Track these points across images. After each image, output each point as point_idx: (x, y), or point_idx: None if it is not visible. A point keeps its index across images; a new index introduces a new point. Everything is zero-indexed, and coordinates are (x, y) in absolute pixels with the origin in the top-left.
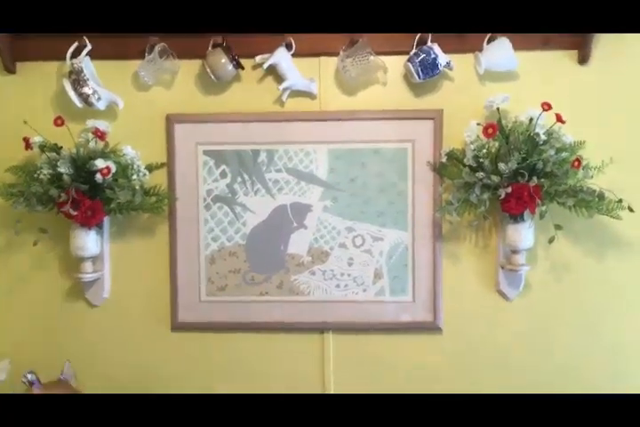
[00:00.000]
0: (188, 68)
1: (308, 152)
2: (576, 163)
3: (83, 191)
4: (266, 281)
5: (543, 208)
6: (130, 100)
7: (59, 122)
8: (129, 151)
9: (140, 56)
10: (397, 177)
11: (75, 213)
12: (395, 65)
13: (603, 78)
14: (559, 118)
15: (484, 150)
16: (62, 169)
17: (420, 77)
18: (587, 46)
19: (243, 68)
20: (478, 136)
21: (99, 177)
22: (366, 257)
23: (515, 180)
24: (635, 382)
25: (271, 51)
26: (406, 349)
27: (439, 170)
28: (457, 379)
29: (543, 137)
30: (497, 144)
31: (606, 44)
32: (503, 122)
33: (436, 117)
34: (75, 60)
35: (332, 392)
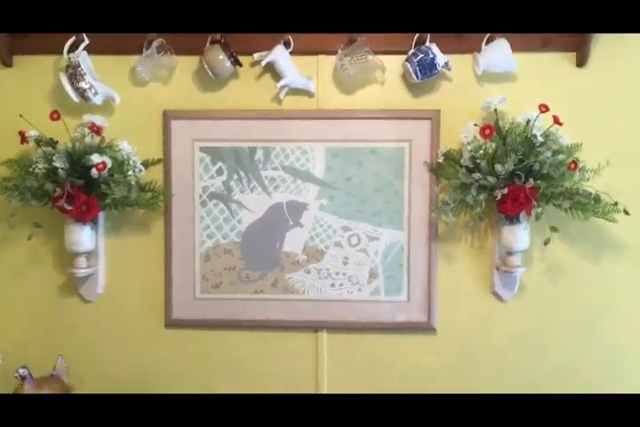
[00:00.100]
0: (185, 65)
1: (305, 150)
2: (572, 165)
3: (78, 186)
4: (261, 279)
5: (539, 210)
6: (127, 95)
7: (55, 116)
8: (125, 147)
9: (138, 51)
10: (394, 177)
11: (70, 208)
12: (393, 64)
13: (600, 81)
14: (556, 120)
15: (481, 151)
16: (58, 163)
17: (417, 77)
18: (585, 48)
19: (241, 64)
20: (475, 137)
21: (94, 172)
22: (362, 256)
23: (511, 181)
24: (630, 383)
25: (269, 48)
26: (400, 349)
27: (436, 170)
28: (451, 379)
29: (540, 139)
30: (494, 145)
31: (604, 47)
32: (500, 123)
33: (433, 117)
34: (72, 55)
35: (325, 391)
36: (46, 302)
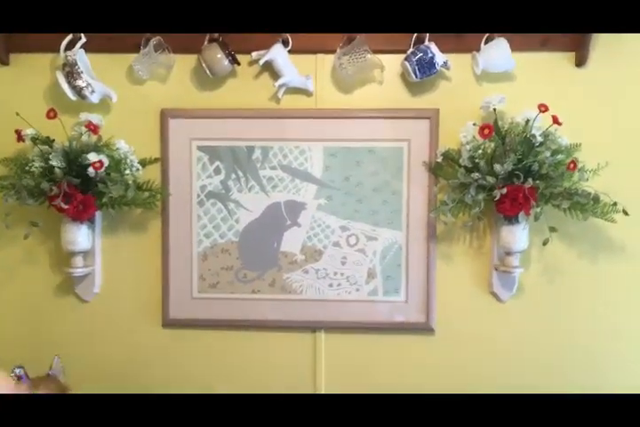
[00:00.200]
0: (183, 63)
1: (303, 150)
2: (572, 165)
3: (75, 185)
4: (258, 279)
5: (538, 210)
6: (124, 93)
7: (51, 114)
8: (122, 145)
9: (136, 50)
10: (392, 176)
11: (66, 207)
12: (392, 63)
13: (599, 80)
14: (555, 120)
15: (480, 151)
16: (54, 162)
17: (416, 76)
18: (584, 48)
19: (239, 63)
20: (474, 137)
21: (91, 171)
22: (360, 256)
23: (510, 181)
24: (628, 383)
25: (267, 47)
26: (399, 349)
27: (434, 170)
28: (449, 380)
29: (539, 139)
30: (493, 145)
31: (603, 47)
32: (499, 123)
33: (432, 117)
34: (69, 53)
35: (322, 392)
36: (42, 302)
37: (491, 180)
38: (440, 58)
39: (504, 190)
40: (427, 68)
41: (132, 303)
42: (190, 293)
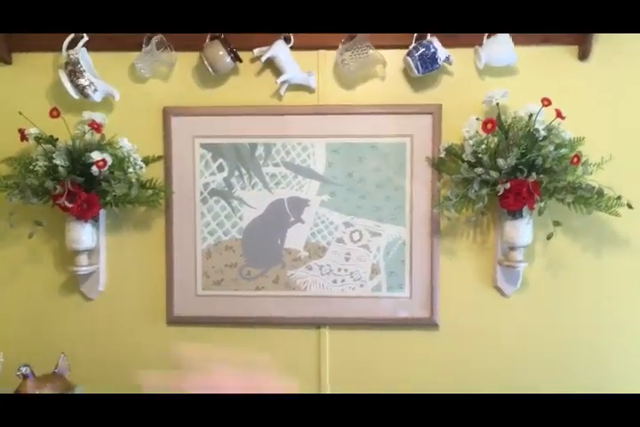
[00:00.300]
0: (185, 61)
1: (306, 146)
2: (575, 159)
3: (78, 184)
4: (262, 276)
5: (542, 204)
6: (126, 92)
7: (54, 113)
8: (125, 144)
9: (138, 48)
10: (395, 172)
11: (70, 206)
12: (394, 59)
13: (603, 74)
14: (559, 114)
15: (483, 146)
16: (58, 161)
17: (419, 72)
18: (587, 42)
19: (241, 60)
20: (477, 131)
21: (95, 169)
22: (363, 252)
23: (513, 176)
24: (631, 378)
25: (269, 43)
26: (403, 345)
27: (437, 165)
28: (454, 375)
29: (542, 133)
30: (496, 140)
31: (607, 40)
32: (502, 117)
33: (434, 112)
34: (71, 52)
35: (327, 388)
36: (47, 301)
37: (494, 174)
38: (442, 53)
39: (507, 185)
40: (429, 63)
41: (137, 301)
42: (194, 290)
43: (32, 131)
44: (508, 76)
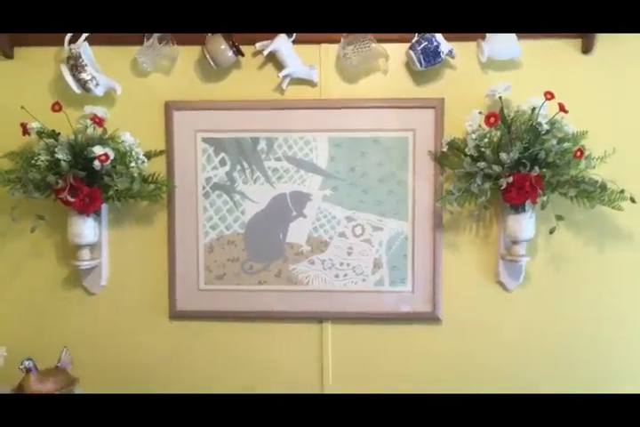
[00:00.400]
0: (187, 55)
1: (308, 140)
2: (578, 153)
3: (81, 178)
4: (264, 270)
5: (544, 198)
6: (128, 86)
7: (56, 108)
8: (127, 138)
9: (139, 42)
10: (398, 166)
11: (72, 200)
12: (396, 53)
13: (606, 67)
14: (562, 108)
15: (486, 140)
16: (60, 155)
17: (421, 65)
18: (590, 35)
19: (243, 54)
20: (480, 125)
21: (97, 164)
22: (366, 247)
23: (516, 170)
24: (633, 372)
25: (271, 38)
26: (405, 339)
27: (440, 159)
28: (455, 369)
29: (545, 126)
30: (499, 133)
31: (610, 34)
32: (505, 111)
33: (437, 106)
34: (73, 46)
35: (329, 382)
36: (50, 295)
37: (497, 168)
38: (445, 46)
39: (510, 179)
40: (432, 56)
41: (139, 296)
42: (197, 284)
43: (34, 125)
44: (511, 69)
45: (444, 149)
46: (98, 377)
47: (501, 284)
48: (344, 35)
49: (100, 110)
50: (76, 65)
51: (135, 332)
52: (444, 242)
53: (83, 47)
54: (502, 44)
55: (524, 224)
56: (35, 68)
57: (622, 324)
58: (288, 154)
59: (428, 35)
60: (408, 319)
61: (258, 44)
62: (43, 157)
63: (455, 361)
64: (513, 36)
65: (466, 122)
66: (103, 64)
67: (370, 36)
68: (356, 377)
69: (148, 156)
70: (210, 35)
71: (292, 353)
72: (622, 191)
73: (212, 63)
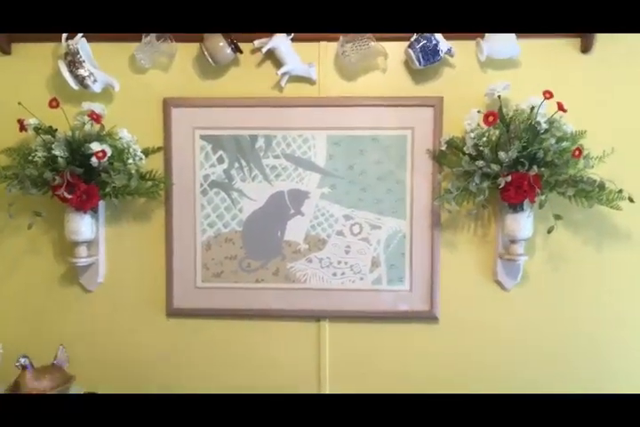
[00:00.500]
0: (185, 52)
1: (307, 138)
2: (577, 152)
3: (78, 175)
4: (262, 268)
5: (543, 198)
6: (126, 82)
7: (54, 104)
8: (125, 135)
9: (137, 38)
10: (396, 165)
11: (69, 197)
12: (395, 51)
13: (605, 66)
14: (560, 107)
15: (485, 139)
16: (57, 152)
17: (420, 64)
18: (589, 35)
19: (241, 51)
20: (479, 124)
21: (94, 160)
22: (364, 245)
23: (515, 169)
24: (631, 371)
25: (270, 35)
26: (402, 338)
27: (438, 158)
28: (453, 368)
29: (544, 126)
30: (497, 132)
31: (609, 34)
32: (504, 110)
33: (436, 105)
34: (70, 42)
35: (327, 380)
36: (47, 292)
37: (495, 167)
38: (444, 45)
39: (509, 178)
40: (430, 55)
41: (136, 293)
42: (194, 282)
43: (31, 121)
44: (510, 68)
45: (443, 148)
46: (94, 375)
47: (499, 283)
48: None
49: (97, 107)
50: (73, 61)
51: (132, 329)
52: (442, 241)
53: (80, 43)
54: (501, 42)
55: (523, 223)
56: (32, 64)
57: (620, 323)
58: (286, 152)
59: (426, 33)
60: (406, 318)
61: (256, 42)
62: (40, 154)
63: (453, 360)
64: (512, 35)
65: (464, 121)
66: (101, 60)
67: (369, 34)
68: (354, 376)
69: (146, 153)
70: None
71: (290, 351)
72: (620, 191)
73: (210, 60)
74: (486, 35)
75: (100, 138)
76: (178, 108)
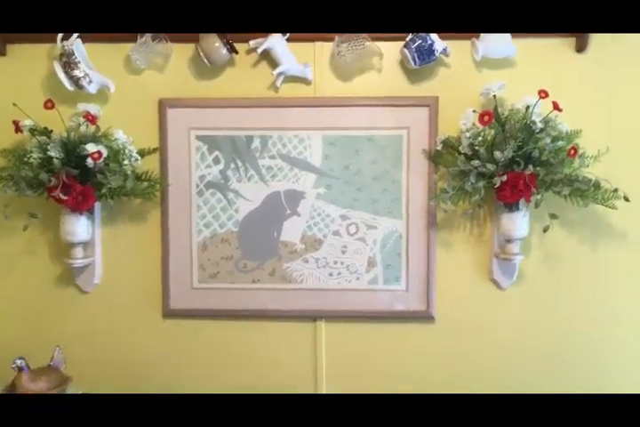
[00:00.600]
0: (180, 52)
1: (302, 138)
2: (572, 151)
3: (73, 176)
4: (258, 268)
5: (538, 197)
6: (122, 83)
7: (49, 105)
8: (120, 136)
9: (133, 39)
10: (392, 165)
11: (65, 198)
12: (391, 51)
13: (600, 66)
14: (556, 106)
15: (480, 138)
16: (53, 153)
17: (415, 64)
18: (584, 34)
19: (237, 52)
20: (474, 124)
21: (90, 161)
22: (360, 245)
23: (510, 168)
24: (627, 370)
25: (265, 35)
26: (399, 338)
27: (434, 158)
28: (449, 368)
29: (539, 125)
30: (493, 132)
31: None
32: (499, 109)
33: (431, 104)
34: (66, 43)
35: (323, 380)
36: (43, 293)
37: (491, 167)
38: (439, 45)
39: (504, 177)
40: (426, 55)
41: (133, 294)
42: (190, 283)
43: (26, 122)
44: (505, 68)
45: (439, 148)
46: (91, 376)
47: (495, 282)
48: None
49: (93, 108)
50: (68, 62)
51: (128, 330)
52: (438, 240)
53: (76, 44)
54: (496, 42)
55: (518, 223)
56: (27, 65)
57: (616, 322)
58: (282, 152)
59: (422, 33)
60: (402, 318)
61: (252, 42)
62: (35, 155)
63: (449, 360)
64: (507, 34)
65: (460, 120)
66: (96, 61)
67: (364, 34)
68: (350, 375)
69: (142, 153)
70: None
71: (286, 351)
72: (616, 190)
73: (205, 61)
74: (481, 34)
75: (95, 139)
76: (173, 108)
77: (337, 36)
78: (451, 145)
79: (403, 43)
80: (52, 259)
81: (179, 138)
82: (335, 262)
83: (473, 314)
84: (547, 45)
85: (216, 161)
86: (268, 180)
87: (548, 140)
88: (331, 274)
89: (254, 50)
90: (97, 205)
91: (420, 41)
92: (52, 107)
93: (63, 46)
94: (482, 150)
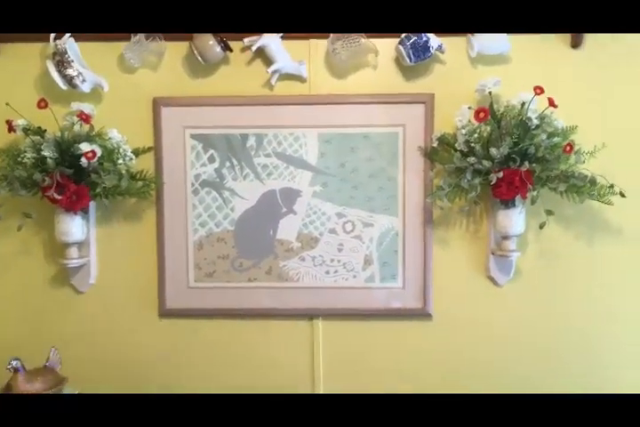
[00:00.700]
0: (174, 50)
1: (298, 136)
2: (568, 148)
3: (67, 175)
4: (255, 267)
5: (534, 193)
6: (115, 82)
7: (42, 104)
8: (115, 135)
9: (126, 38)
10: (388, 162)
11: (59, 198)
12: (386, 48)
13: (595, 62)
14: (551, 102)
15: (476, 135)
16: (46, 153)
17: (411, 60)
18: None
19: (231, 50)
20: (470, 120)
21: (84, 161)
22: (356, 243)
23: (506, 165)
24: (623, 366)
25: (260, 33)
26: (396, 335)
27: (430, 155)
28: (446, 365)
29: (535, 121)
30: (488, 129)
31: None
32: (495, 106)
33: (427, 101)
34: (59, 42)
35: (320, 379)
36: (38, 294)
37: (487, 164)
38: (434, 41)
39: (500, 174)
40: (421, 51)
41: (129, 294)
42: (186, 282)
43: (20, 122)
44: (501, 64)
45: (434, 145)
46: (87, 376)
47: (492, 279)
48: None
49: (86, 107)
50: (62, 61)
51: (124, 330)
52: (435, 238)
53: (69, 43)
54: (491, 39)
55: (514, 219)
56: (20, 64)
57: (612, 318)
58: (277, 150)
59: None
60: (399, 315)
61: (246, 40)
62: (29, 155)
63: (446, 357)
64: None
65: (456, 117)
66: (90, 60)
67: None
68: (347, 373)
69: (136, 153)
70: None
71: (283, 350)
72: (612, 186)
73: (199, 59)
74: None
75: (89, 138)
76: (168, 107)
77: (331, 34)
78: (446, 142)
79: (398, 40)
80: (46, 259)
81: (173, 137)
82: (332, 260)
83: (470, 311)
84: (542, 41)
85: (211, 160)
86: (264, 178)
87: (544, 136)
88: (327, 272)
89: (249, 48)
90: (91, 204)
91: (416, 38)
92: (46, 106)
93: (56, 45)
94: (477, 147)
